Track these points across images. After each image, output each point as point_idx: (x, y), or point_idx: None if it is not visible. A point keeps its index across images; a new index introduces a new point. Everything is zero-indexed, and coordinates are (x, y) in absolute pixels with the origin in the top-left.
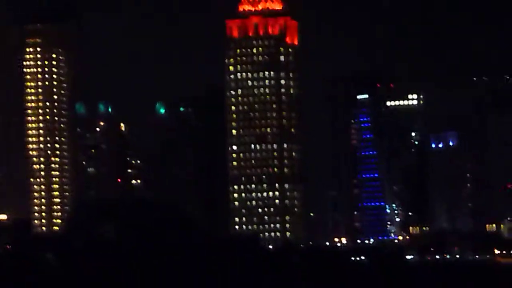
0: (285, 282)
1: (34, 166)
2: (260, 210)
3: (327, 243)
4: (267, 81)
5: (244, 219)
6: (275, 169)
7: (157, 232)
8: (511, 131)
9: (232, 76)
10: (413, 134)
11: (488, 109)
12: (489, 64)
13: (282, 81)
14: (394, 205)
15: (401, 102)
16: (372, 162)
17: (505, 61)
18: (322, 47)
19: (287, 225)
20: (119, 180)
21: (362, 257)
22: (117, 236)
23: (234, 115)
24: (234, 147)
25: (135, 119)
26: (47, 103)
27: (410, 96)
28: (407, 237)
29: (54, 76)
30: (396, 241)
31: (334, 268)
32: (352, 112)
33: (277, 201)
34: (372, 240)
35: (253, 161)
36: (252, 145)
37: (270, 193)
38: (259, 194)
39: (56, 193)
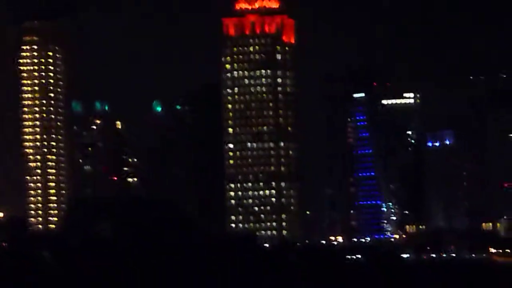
0: (282, 281)
1: (30, 164)
2: (256, 208)
3: (323, 242)
4: (263, 80)
5: (240, 217)
6: (272, 167)
7: (153, 230)
8: (508, 130)
9: (228, 75)
10: (409, 132)
11: (484, 108)
12: (488, 63)
13: (279, 80)
14: (390, 203)
15: (398, 101)
16: (369, 160)
17: (504, 60)
18: (319, 46)
19: (284, 224)
20: (115, 178)
21: (358, 256)
22: (113, 234)
23: (231, 113)
24: (231, 145)
25: (131, 117)
26: (44, 101)
27: (406, 95)
28: (403, 236)
29: (51, 74)
30: (392, 239)
31: (330, 266)
32: (349, 110)
33: (273, 199)
34: (368, 239)
35: (249, 159)
36: (249, 143)
37: (267, 192)
38: (255, 192)
39: (52, 191)
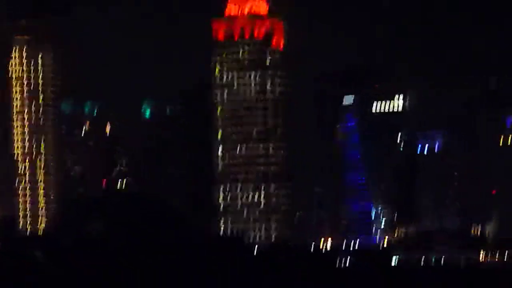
0: (272, 282)
1: (20, 164)
2: (246, 209)
3: (314, 243)
4: (252, 84)
5: (230, 218)
6: (262, 169)
7: (145, 230)
8: (499, 131)
9: (218, 78)
10: (400, 134)
11: (476, 109)
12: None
13: (268, 82)
14: (381, 205)
15: (389, 103)
16: (359, 162)
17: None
18: (310, 48)
19: (273, 225)
20: (105, 178)
21: (349, 257)
22: (105, 234)
23: (221, 116)
24: (221, 147)
25: (122, 118)
26: (33, 101)
27: (397, 97)
28: (394, 237)
29: (41, 74)
30: (382, 241)
31: (320, 268)
32: (339, 112)
33: (263, 200)
34: (358, 240)
35: (239, 160)
36: (239, 145)
37: (257, 193)
38: (245, 194)
39: (42, 191)
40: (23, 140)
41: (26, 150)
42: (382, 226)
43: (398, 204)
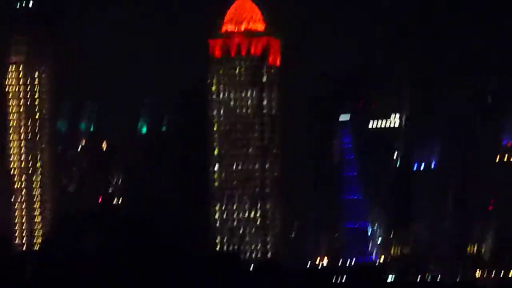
0: None
1: (17, 180)
2: (242, 226)
3: (309, 263)
4: (249, 101)
5: (226, 235)
6: (256, 189)
7: (140, 246)
8: (494, 150)
9: (214, 96)
10: (395, 153)
11: (474, 118)
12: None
13: (264, 101)
14: (375, 225)
15: (383, 121)
16: (354, 181)
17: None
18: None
19: (270, 242)
20: (100, 197)
21: (345, 275)
22: (101, 250)
23: (217, 135)
24: (216, 166)
25: (118, 135)
26: (29, 118)
27: (392, 115)
28: (388, 258)
29: (36, 93)
30: (377, 261)
31: (316, 285)
32: (334, 131)
33: (258, 220)
34: (353, 261)
35: (234, 180)
36: (235, 162)
37: (253, 210)
38: (240, 213)
39: (38, 207)
40: (19, 156)
41: (22, 166)
42: (379, 244)
43: (394, 221)
